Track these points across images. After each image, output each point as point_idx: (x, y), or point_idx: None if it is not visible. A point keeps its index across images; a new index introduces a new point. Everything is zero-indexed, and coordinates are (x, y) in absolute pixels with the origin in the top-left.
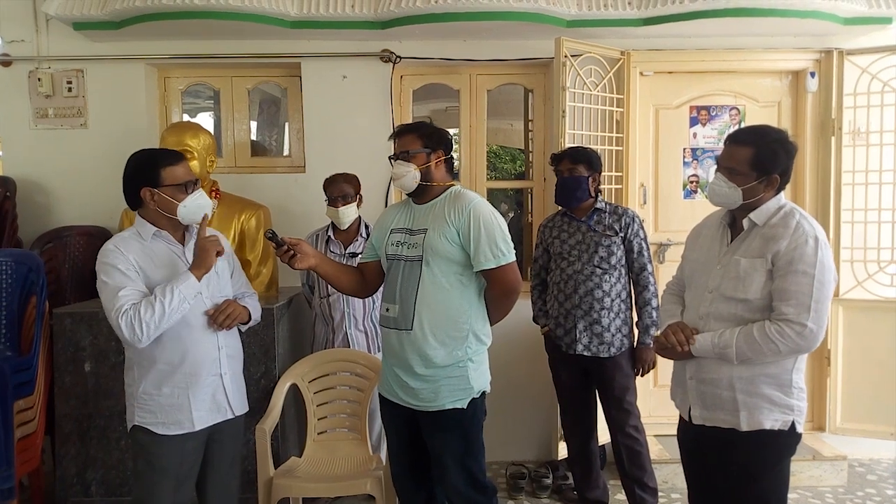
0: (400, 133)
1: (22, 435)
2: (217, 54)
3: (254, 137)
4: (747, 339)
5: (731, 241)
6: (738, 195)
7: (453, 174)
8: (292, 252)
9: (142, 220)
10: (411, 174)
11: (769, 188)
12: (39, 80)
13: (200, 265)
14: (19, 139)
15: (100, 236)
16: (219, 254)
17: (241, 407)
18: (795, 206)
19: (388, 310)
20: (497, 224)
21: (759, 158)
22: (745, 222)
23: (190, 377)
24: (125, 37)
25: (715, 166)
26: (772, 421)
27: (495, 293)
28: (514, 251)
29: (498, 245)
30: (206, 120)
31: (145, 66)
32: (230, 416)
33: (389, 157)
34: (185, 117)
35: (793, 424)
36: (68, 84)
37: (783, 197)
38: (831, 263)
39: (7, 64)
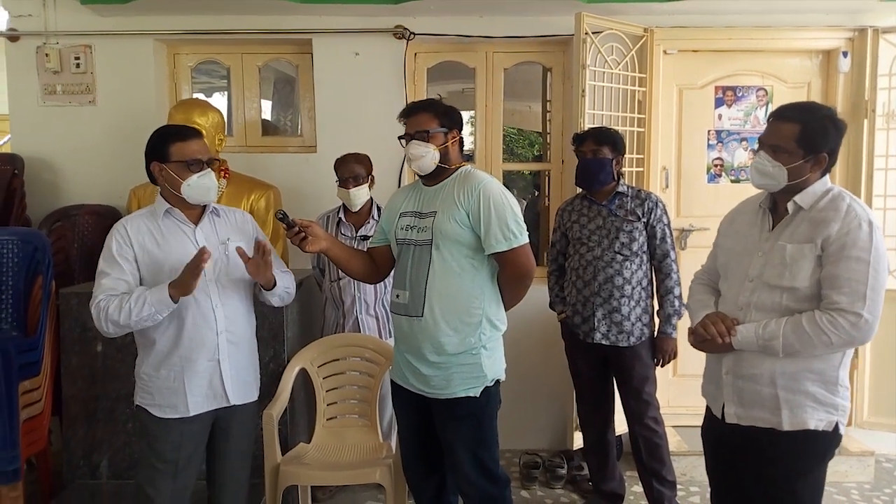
0: (413, 111)
1: (28, 416)
2: (227, 30)
3: (268, 117)
4: (796, 330)
5: (773, 226)
6: (784, 175)
7: (463, 153)
8: (303, 234)
9: (160, 196)
10: (430, 155)
11: (816, 168)
12: (47, 55)
13: (178, 285)
14: (27, 116)
15: (108, 215)
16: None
17: (240, 396)
18: (843, 189)
19: (398, 296)
20: (508, 204)
21: (807, 135)
22: (790, 206)
23: (186, 361)
24: (133, 11)
25: (741, 149)
26: (816, 420)
27: (508, 277)
28: (528, 233)
29: (509, 226)
30: (220, 99)
31: (154, 42)
32: (227, 405)
33: (400, 138)
34: (198, 95)
35: (836, 425)
36: (76, 60)
37: (828, 180)
38: (885, 249)
39: (14, 39)
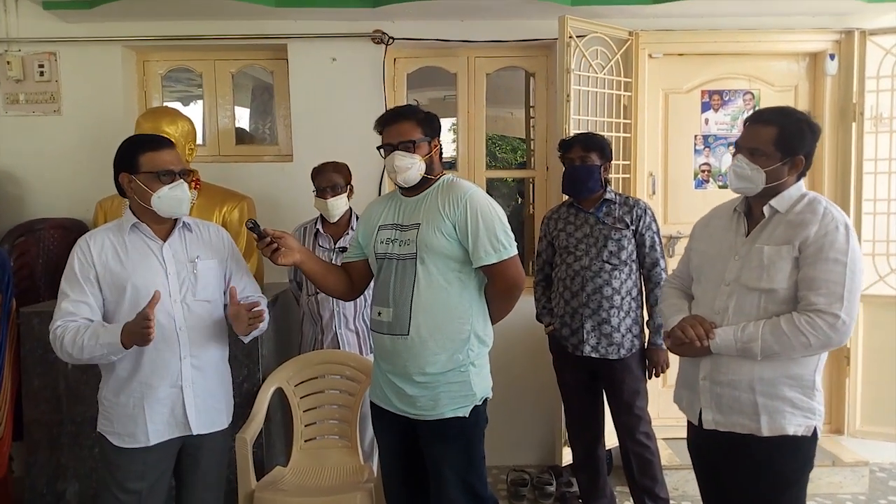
0: (393, 119)
1: None
2: (199, 35)
3: (245, 125)
4: (774, 332)
5: (748, 230)
6: (762, 178)
7: (443, 162)
8: (275, 245)
9: (128, 210)
10: (417, 166)
11: (793, 171)
12: (9, 63)
13: (128, 336)
14: None
15: (74, 229)
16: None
17: (205, 425)
18: (818, 194)
19: (380, 314)
20: (496, 215)
21: (785, 137)
22: (766, 209)
23: (146, 387)
24: (100, 17)
25: (729, 153)
26: (795, 426)
27: (497, 290)
28: (516, 243)
29: (498, 238)
30: (196, 109)
31: (122, 49)
32: (188, 434)
33: (379, 148)
34: (170, 104)
35: (815, 430)
36: (40, 68)
37: (803, 185)
38: (861, 253)
39: None
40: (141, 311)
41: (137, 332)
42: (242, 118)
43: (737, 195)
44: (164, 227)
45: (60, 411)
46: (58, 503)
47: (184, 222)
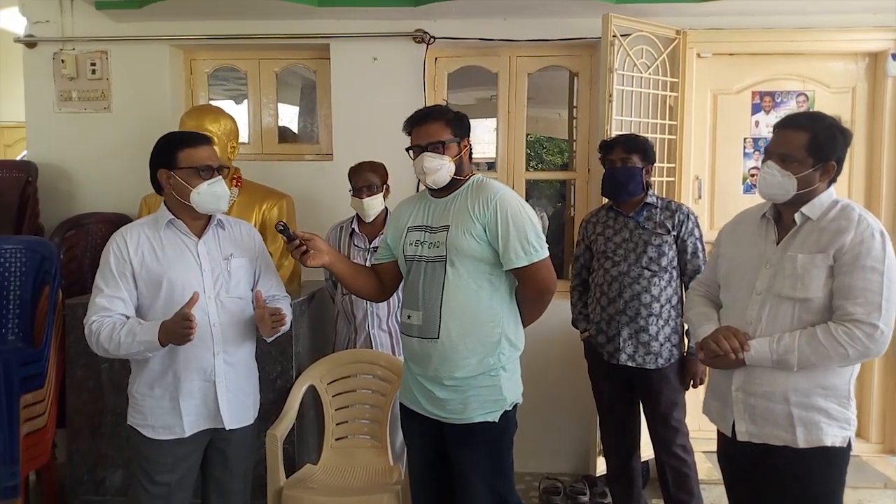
0: (422, 119)
1: (31, 429)
2: (243, 35)
3: (293, 124)
4: (811, 343)
5: (779, 238)
6: (793, 184)
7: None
8: (304, 248)
9: (164, 206)
10: (446, 167)
11: (824, 177)
12: (63, 61)
13: (166, 334)
14: (43, 123)
15: (120, 223)
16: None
17: (236, 420)
18: (850, 200)
19: (409, 317)
20: (527, 216)
21: (817, 143)
22: (798, 216)
23: (180, 381)
24: (148, 17)
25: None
26: (831, 437)
27: (528, 293)
28: (549, 246)
29: (529, 240)
30: (243, 108)
31: (170, 48)
32: (222, 427)
33: (408, 149)
34: (216, 102)
35: (850, 440)
36: (92, 66)
37: (834, 191)
38: None
39: (32, 45)
40: (181, 311)
41: (177, 332)
42: (289, 117)
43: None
44: (199, 224)
45: (102, 401)
46: (97, 490)
47: (218, 220)
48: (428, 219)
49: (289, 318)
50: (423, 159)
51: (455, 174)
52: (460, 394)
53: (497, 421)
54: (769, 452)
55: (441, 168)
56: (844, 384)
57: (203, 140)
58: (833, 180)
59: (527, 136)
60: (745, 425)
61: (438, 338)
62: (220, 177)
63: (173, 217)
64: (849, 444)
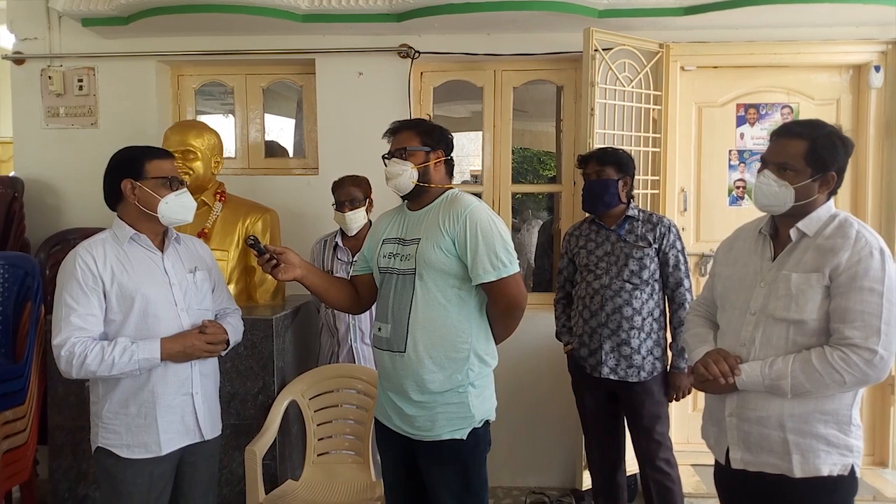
0: (396, 129)
1: (11, 446)
2: (230, 50)
3: (290, 136)
4: (805, 369)
5: (775, 254)
6: (790, 195)
7: (452, 177)
8: (275, 261)
9: (120, 221)
10: (407, 174)
11: (823, 188)
12: (50, 78)
13: (175, 352)
14: (31, 139)
15: None
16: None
17: (212, 430)
18: (850, 214)
19: (380, 329)
20: (497, 231)
21: (815, 152)
22: (793, 233)
23: (158, 396)
24: (135, 33)
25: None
26: (830, 465)
27: (497, 309)
28: (538, 260)
29: (498, 255)
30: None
31: (157, 64)
32: (199, 440)
33: (383, 156)
34: (211, 118)
35: (852, 468)
36: (79, 82)
37: (833, 205)
38: None
39: (20, 62)
40: (203, 329)
41: (198, 347)
42: (284, 129)
43: (762, 214)
44: (158, 238)
45: (84, 418)
46: None
47: (175, 235)
48: (402, 231)
49: (234, 334)
50: (388, 164)
51: (421, 182)
52: (428, 410)
53: (465, 438)
54: (764, 482)
55: (402, 174)
56: (845, 409)
57: (170, 155)
58: (833, 192)
59: (524, 151)
60: (739, 452)
61: (405, 351)
62: (185, 189)
63: (135, 232)
64: (851, 472)
